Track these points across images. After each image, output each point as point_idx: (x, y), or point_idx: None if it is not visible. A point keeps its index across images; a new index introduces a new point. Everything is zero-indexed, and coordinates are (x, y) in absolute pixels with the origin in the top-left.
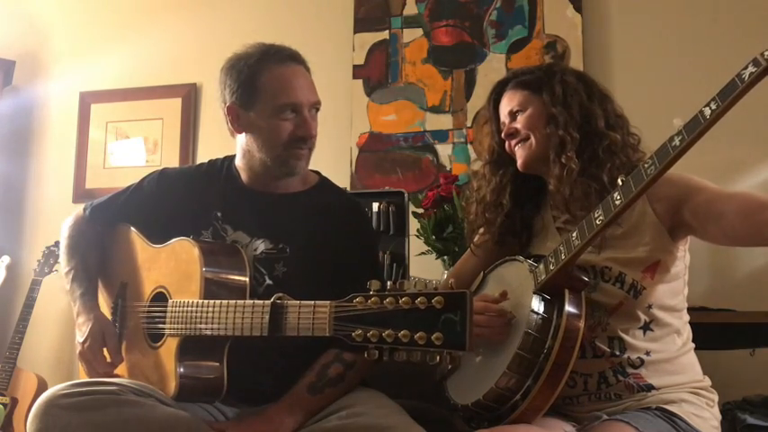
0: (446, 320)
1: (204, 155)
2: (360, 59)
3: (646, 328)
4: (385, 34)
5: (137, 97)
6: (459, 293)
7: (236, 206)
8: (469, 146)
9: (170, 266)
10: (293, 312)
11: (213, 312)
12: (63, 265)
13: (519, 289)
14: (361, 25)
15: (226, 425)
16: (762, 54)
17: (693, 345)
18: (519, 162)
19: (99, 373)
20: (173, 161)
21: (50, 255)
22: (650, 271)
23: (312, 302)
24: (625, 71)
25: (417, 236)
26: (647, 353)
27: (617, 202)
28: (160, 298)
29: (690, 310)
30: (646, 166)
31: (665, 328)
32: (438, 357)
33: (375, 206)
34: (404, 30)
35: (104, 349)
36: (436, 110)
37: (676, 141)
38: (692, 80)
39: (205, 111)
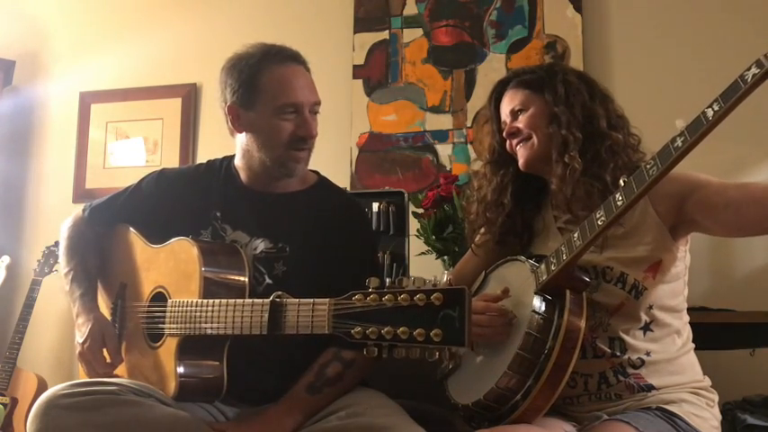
0: (445, 317)
1: (204, 155)
2: (360, 59)
3: (646, 328)
4: (385, 34)
5: (137, 97)
6: (457, 290)
7: (235, 206)
8: (469, 146)
9: (169, 266)
10: (292, 310)
11: (212, 311)
12: (62, 265)
13: (520, 289)
14: (361, 25)
15: (226, 425)
16: (765, 55)
17: (693, 345)
18: (521, 161)
19: (99, 374)
20: (173, 161)
21: (50, 255)
22: (652, 270)
23: (311, 300)
24: (625, 71)
25: (417, 236)
26: (648, 353)
27: (619, 203)
28: (159, 298)
29: (690, 310)
30: (648, 166)
31: (666, 329)
32: (437, 354)
33: (375, 206)
34: (404, 30)
35: (104, 350)
36: (436, 110)
37: (678, 142)
38: (691, 80)
39: (205, 111)
